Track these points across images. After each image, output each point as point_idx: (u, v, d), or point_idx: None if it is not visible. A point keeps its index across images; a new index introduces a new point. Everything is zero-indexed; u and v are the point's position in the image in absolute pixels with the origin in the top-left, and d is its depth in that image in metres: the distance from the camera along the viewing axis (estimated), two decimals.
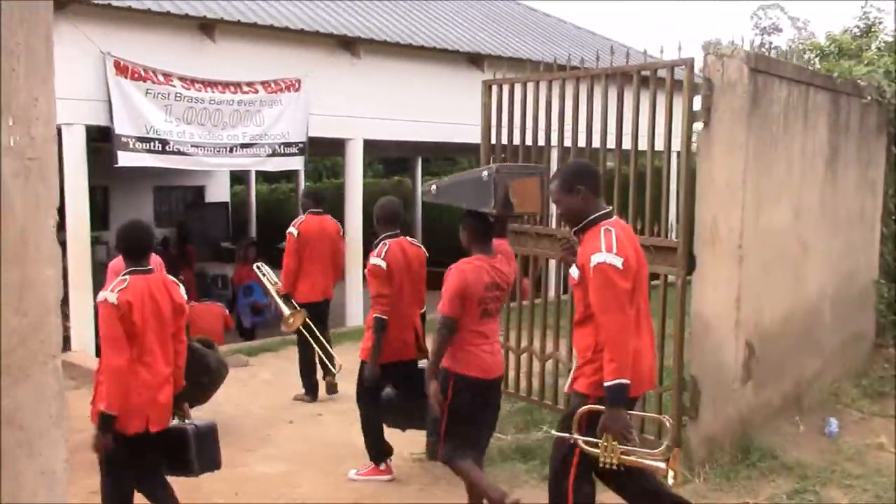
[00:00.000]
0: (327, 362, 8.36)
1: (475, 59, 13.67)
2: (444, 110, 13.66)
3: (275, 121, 11.81)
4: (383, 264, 5.72)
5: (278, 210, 29.12)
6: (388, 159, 32.91)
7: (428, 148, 20.51)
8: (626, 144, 6.11)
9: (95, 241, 22.63)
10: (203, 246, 22.77)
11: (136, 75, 10.47)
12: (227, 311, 12.01)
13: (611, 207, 4.21)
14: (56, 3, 9.71)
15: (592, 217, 4.05)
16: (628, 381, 3.80)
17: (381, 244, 5.85)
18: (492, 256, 4.85)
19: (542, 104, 6.78)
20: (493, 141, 7.27)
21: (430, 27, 14.21)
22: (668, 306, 5.98)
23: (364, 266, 6.06)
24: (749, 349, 5.85)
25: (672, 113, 5.77)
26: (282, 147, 11.99)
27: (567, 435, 4.04)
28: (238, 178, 27.95)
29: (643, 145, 5.97)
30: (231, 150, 11.47)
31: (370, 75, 12.79)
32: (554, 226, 6.63)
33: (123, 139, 10.41)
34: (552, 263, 7.13)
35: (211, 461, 4.81)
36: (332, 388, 8.35)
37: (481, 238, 4.88)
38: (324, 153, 23.39)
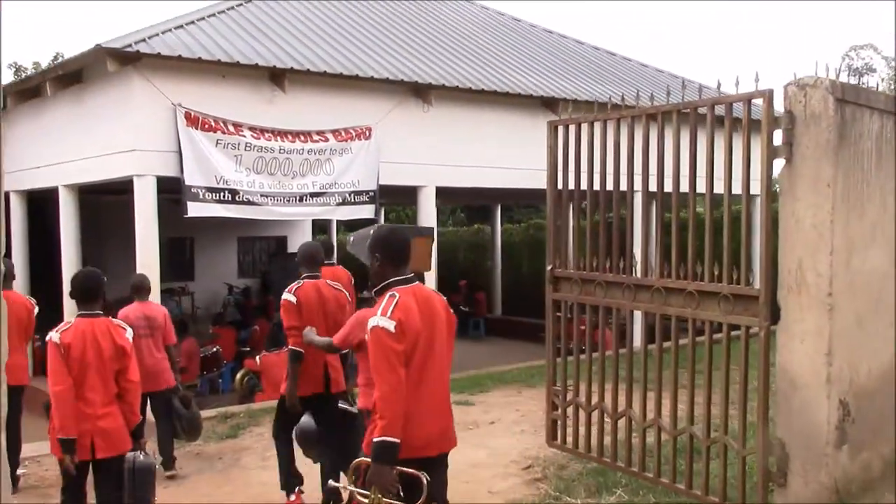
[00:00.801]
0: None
1: (549, 104, 13.34)
2: (518, 156, 13.36)
3: (345, 169, 11.68)
4: (293, 299, 6.19)
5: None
6: (472, 207, 32.72)
7: (505, 195, 20.20)
8: (700, 186, 5.64)
9: (182, 292, 23.21)
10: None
11: (207, 126, 10.48)
12: None
13: (411, 275, 4.27)
14: (128, 56, 9.88)
15: (385, 283, 4.20)
16: (396, 440, 3.88)
17: (296, 282, 6.30)
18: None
19: (610, 145, 6.38)
20: (561, 186, 6.88)
21: (502, 72, 13.99)
22: (751, 357, 5.46)
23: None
24: (843, 408, 5.26)
25: (749, 150, 5.30)
26: (352, 195, 11.83)
27: (340, 485, 4.51)
28: (322, 227, 28.19)
29: (719, 187, 5.50)
30: (301, 199, 11.36)
31: (442, 122, 12.60)
32: (637, 273, 6.16)
33: (193, 190, 10.40)
34: (619, 314, 6.67)
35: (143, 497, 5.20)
36: None
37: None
38: (399, 202, 23.29)
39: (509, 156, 13.31)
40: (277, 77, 10.95)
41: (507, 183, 13.65)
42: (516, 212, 31.79)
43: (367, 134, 11.87)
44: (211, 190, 10.56)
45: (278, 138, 11.06)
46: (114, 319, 5.40)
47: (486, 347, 18.86)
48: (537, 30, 17.86)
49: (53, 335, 5.06)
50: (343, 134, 11.64)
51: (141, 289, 7.88)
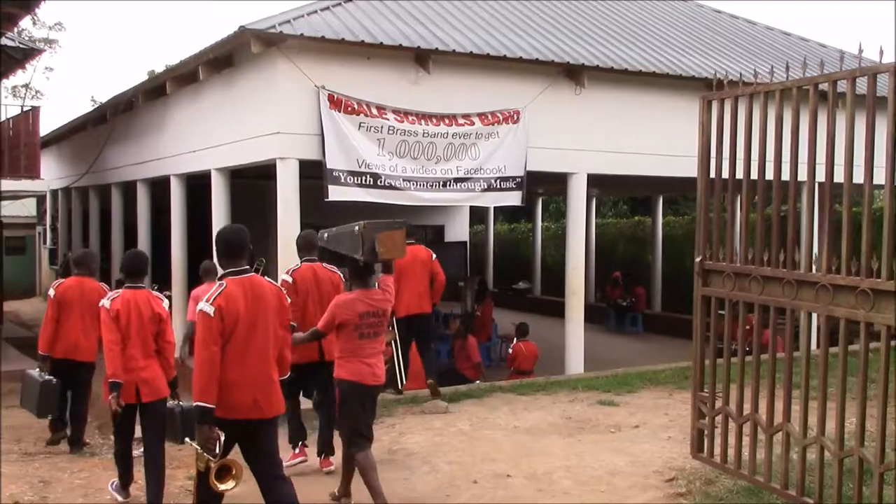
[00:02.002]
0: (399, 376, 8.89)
1: (713, 86, 12.36)
2: (679, 143, 12.42)
3: (491, 154, 11.23)
4: (290, 279, 7.02)
5: (516, 249, 28.78)
6: (635, 199, 31.60)
7: (666, 185, 19.18)
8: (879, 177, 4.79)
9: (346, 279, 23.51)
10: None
11: (350, 109, 10.28)
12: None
13: (245, 267, 5.01)
14: (272, 38, 9.78)
15: (223, 273, 5.08)
16: (208, 405, 4.76)
17: (294, 265, 7.29)
18: (369, 290, 6.01)
19: (771, 123, 5.59)
20: (714, 168, 6.14)
21: (661, 52, 13.11)
22: None
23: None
24: None
25: None
26: (498, 182, 11.37)
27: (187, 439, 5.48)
28: (480, 217, 27.95)
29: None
30: (444, 185, 11.00)
31: (595, 105, 11.93)
32: (800, 268, 5.37)
33: (335, 173, 10.22)
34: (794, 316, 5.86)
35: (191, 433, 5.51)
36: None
37: (358, 276, 6.07)
38: (555, 191, 22.60)
39: (668, 142, 12.47)
40: (422, 58, 10.61)
41: (665, 171, 12.81)
42: (682, 204, 30.41)
43: (515, 117, 11.36)
44: (353, 174, 10.36)
45: (422, 122, 10.74)
46: (153, 291, 6.61)
47: (640, 344, 17.99)
48: (704, 10, 16.75)
49: (105, 302, 6.26)
50: (490, 117, 11.18)
51: (209, 272, 9.16)
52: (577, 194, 12.21)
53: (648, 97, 12.37)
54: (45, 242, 27.82)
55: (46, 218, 27.87)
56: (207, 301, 4.81)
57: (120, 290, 6.29)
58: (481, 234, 27.74)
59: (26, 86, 37.46)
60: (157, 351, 6.29)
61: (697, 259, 6.15)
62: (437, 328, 17.15)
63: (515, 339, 12.37)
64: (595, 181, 13.77)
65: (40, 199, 28.58)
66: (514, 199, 11.66)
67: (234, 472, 4.84)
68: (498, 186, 11.40)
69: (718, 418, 6.18)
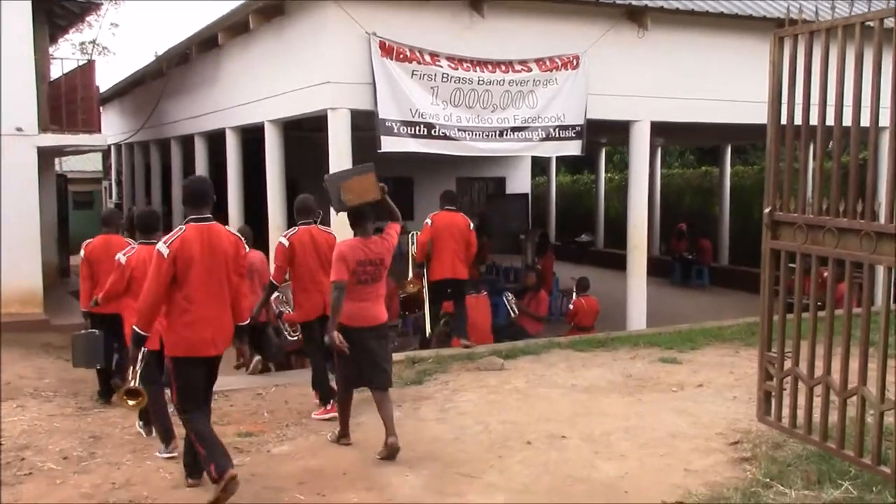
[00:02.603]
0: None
1: (786, 24, 11.67)
2: (749, 88, 11.84)
3: (549, 102, 10.82)
4: (286, 243, 7.49)
5: (578, 201, 28.22)
6: (702, 149, 30.66)
7: (734, 133, 18.42)
8: None
9: (402, 231, 23.34)
10: (502, 238, 22.35)
11: (402, 56, 9.95)
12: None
13: (207, 215, 5.41)
14: None
15: (187, 219, 5.44)
16: (144, 333, 5.34)
17: (291, 229, 7.69)
18: (366, 238, 6.27)
19: (850, 62, 5.09)
20: (786, 111, 5.67)
21: None
22: None
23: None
24: None
25: None
26: (557, 130, 10.96)
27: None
28: (542, 168, 27.45)
29: None
30: (501, 134, 10.64)
31: (659, 49, 11.40)
32: (881, 219, 4.91)
33: (387, 123, 9.94)
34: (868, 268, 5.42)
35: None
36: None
37: (356, 224, 6.32)
38: (616, 141, 21.95)
39: (738, 88, 11.89)
40: (477, 2, 10.19)
41: (734, 118, 12.23)
42: (752, 153, 29.38)
43: (575, 63, 10.90)
44: (406, 124, 10.06)
45: (477, 69, 10.36)
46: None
47: (706, 298, 17.49)
48: None
49: (120, 256, 6.78)
50: (548, 63, 10.74)
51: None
52: (640, 143, 11.73)
53: (716, 40, 11.79)
54: (110, 197, 28.22)
55: (112, 172, 28.25)
56: (164, 243, 5.30)
57: (136, 246, 6.76)
58: (543, 185, 27.27)
59: (93, 42, 37.94)
60: None
61: (766, 210, 5.73)
62: (496, 281, 16.95)
63: (575, 294, 12.03)
64: (659, 130, 13.23)
65: (105, 153, 28.95)
66: (573, 148, 11.24)
67: (141, 397, 5.62)
68: (557, 135, 11.00)
69: (787, 380, 5.79)
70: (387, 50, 9.85)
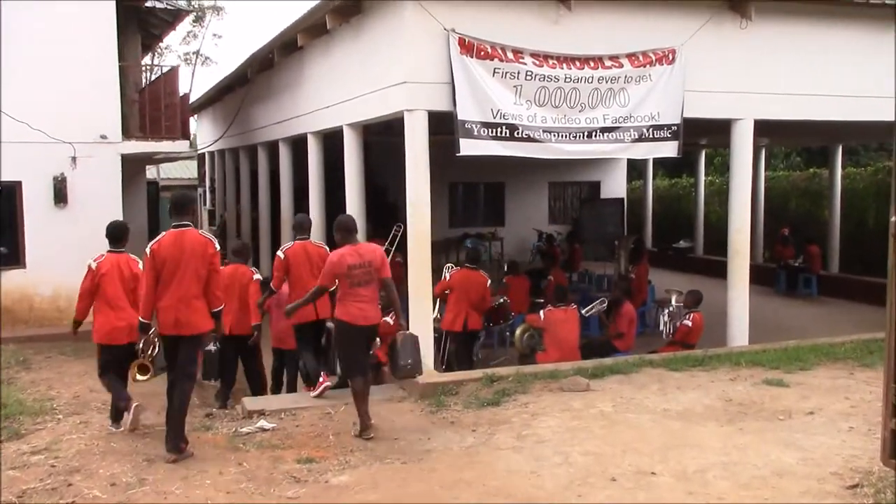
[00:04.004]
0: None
1: None
2: (862, 83, 10.92)
3: (642, 100, 10.05)
4: (283, 255, 8.73)
5: (677, 206, 27.09)
6: (810, 150, 29.09)
7: (846, 132, 17.18)
8: None
9: (492, 237, 22.80)
10: (596, 244, 21.55)
11: (483, 53, 9.35)
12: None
13: (185, 222, 6.74)
14: None
15: (172, 225, 6.75)
16: (146, 321, 6.81)
17: (288, 243, 9.17)
18: (356, 245, 7.27)
19: None
20: None
21: None
22: None
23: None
24: None
25: None
26: (651, 130, 10.18)
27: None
28: (639, 171, 26.47)
29: None
30: (590, 136, 9.92)
31: (763, 41, 10.50)
32: None
33: (467, 125, 9.34)
34: None
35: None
36: None
37: (344, 240, 7.28)
38: (718, 143, 20.82)
39: (851, 82, 10.92)
40: None
41: (845, 115, 11.19)
42: (864, 155, 27.71)
43: (670, 57, 10.10)
44: (487, 125, 9.44)
45: (564, 65, 9.66)
46: (131, 254, 7.69)
47: (815, 310, 16.30)
48: None
49: (92, 263, 7.55)
50: (641, 58, 9.97)
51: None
52: (742, 143, 10.81)
53: (826, 30, 10.81)
54: (204, 203, 28.51)
55: (206, 179, 28.55)
56: (150, 245, 6.68)
57: (104, 254, 7.63)
58: (640, 189, 26.27)
59: (196, 52, 38.64)
60: (133, 302, 7.46)
61: (893, 219, 4.90)
62: (588, 290, 16.16)
63: (679, 306, 11.15)
64: (764, 129, 12.23)
65: (200, 160, 29.30)
66: (669, 149, 10.41)
67: (150, 371, 7.46)
68: (651, 136, 10.21)
69: None
70: (466, 47, 9.27)
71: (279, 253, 8.80)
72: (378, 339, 9.43)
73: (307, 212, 13.53)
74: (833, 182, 19.63)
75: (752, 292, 11.17)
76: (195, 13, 37.74)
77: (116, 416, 7.60)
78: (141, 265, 7.35)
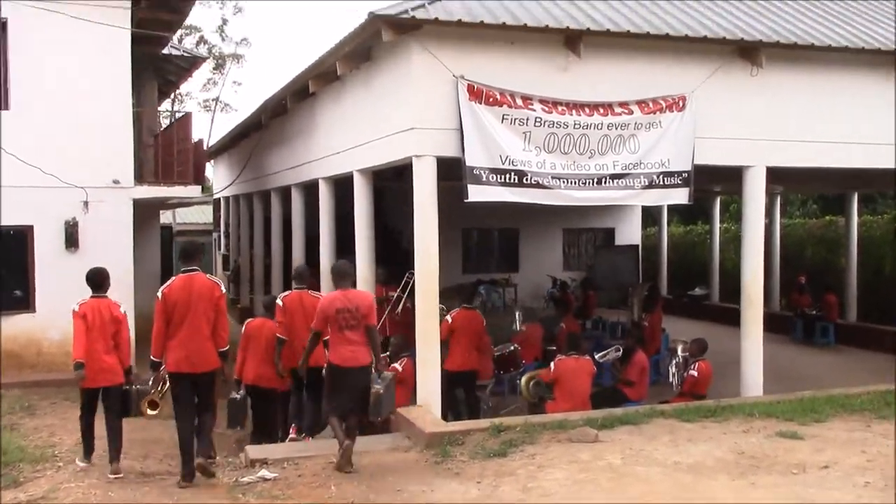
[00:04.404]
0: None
1: None
2: (877, 129, 10.85)
3: (652, 146, 10.00)
4: (281, 303, 9.20)
5: (692, 253, 26.91)
6: (825, 197, 28.87)
7: (862, 179, 17.03)
8: None
9: (506, 283, 22.68)
10: (610, 291, 21.40)
11: (492, 99, 9.35)
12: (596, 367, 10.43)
13: (194, 267, 7.41)
14: (405, 24, 9.02)
15: (180, 270, 7.45)
16: (156, 359, 7.36)
17: (285, 292, 9.70)
18: (346, 290, 7.67)
19: None
20: None
21: (850, 23, 11.34)
22: None
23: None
24: None
25: None
26: (661, 177, 10.11)
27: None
28: (653, 217, 26.36)
29: None
30: (599, 182, 9.86)
31: (775, 88, 10.49)
32: None
33: (475, 171, 9.32)
34: None
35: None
36: None
37: (337, 283, 7.77)
38: (731, 190, 20.67)
39: (863, 128, 10.88)
40: (572, 40, 9.49)
41: (860, 162, 11.11)
42: (881, 202, 27.47)
43: (681, 104, 10.06)
44: (495, 171, 9.40)
45: (573, 112, 9.64)
46: (113, 300, 8.08)
47: (832, 358, 16.04)
48: None
49: (75, 307, 7.86)
50: (651, 105, 9.94)
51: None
52: (755, 191, 10.72)
53: (839, 76, 10.78)
54: (219, 248, 28.59)
55: (221, 224, 28.68)
56: (161, 289, 7.29)
57: (86, 298, 7.96)
58: (654, 236, 26.12)
59: (216, 99, 39.12)
60: (115, 346, 7.88)
61: None
62: (601, 338, 15.97)
63: (686, 356, 10.94)
64: (777, 176, 12.15)
65: (216, 205, 29.46)
66: (680, 196, 10.33)
67: (158, 406, 7.90)
68: (661, 183, 10.14)
69: None
70: (475, 93, 9.26)
71: (278, 300, 9.24)
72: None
73: (318, 258, 13.56)
74: (849, 229, 19.45)
75: (769, 340, 10.99)
76: (215, 61, 38.49)
77: (87, 452, 8.00)
78: (122, 309, 8.09)
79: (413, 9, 8.98)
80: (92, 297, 7.97)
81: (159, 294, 7.21)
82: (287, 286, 16.49)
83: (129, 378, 8.05)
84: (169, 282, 7.34)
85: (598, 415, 8.72)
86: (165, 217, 28.72)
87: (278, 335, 8.99)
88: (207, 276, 7.49)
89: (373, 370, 7.70)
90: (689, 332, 13.28)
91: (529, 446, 7.75)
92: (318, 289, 11.86)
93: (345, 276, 7.82)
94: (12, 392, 11.18)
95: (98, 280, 8.09)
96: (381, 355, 10.24)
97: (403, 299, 12.85)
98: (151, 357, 7.32)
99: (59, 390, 11.39)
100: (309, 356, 8.03)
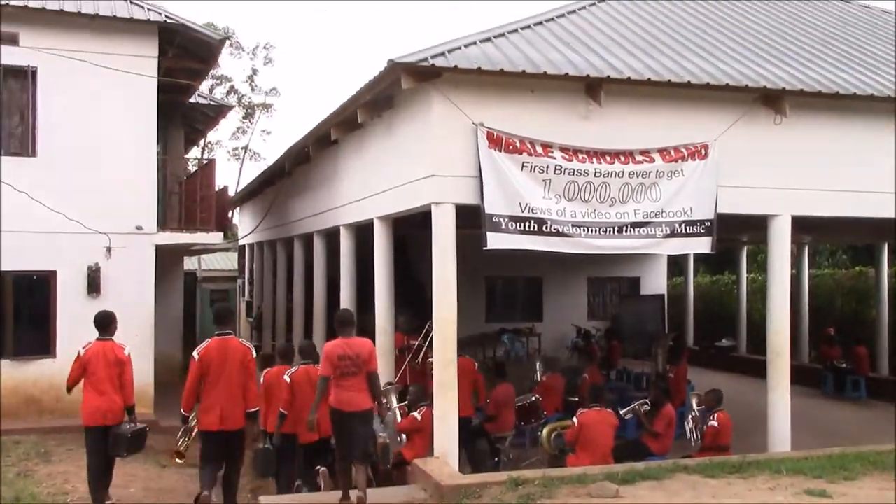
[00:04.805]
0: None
1: None
2: None
3: (674, 195, 9.88)
4: (288, 380, 9.03)
5: (719, 303, 26.55)
6: (855, 248, 28.49)
7: (892, 229, 16.74)
8: None
9: (530, 332, 22.46)
10: (635, 341, 21.10)
11: (511, 147, 9.30)
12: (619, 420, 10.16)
13: (228, 331, 8.22)
14: (426, 72, 9.02)
15: (215, 333, 8.18)
16: (185, 413, 8.22)
17: (294, 367, 9.36)
18: (348, 339, 7.94)
19: None
20: None
21: (877, 71, 11.21)
22: None
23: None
24: None
25: None
26: (683, 226, 9.97)
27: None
28: (680, 268, 26.11)
29: None
30: (620, 230, 9.74)
31: (800, 136, 10.38)
32: None
33: (494, 219, 9.23)
34: None
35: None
36: None
37: (340, 331, 8.01)
38: (756, 239, 20.42)
39: (890, 178, 10.63)
40: (592, 89, 9.46)
41: (887, 212, 10.87)
42: None
43: (703, 152, 9.96)
44: (515, 219, 9.31)
45: (594, 159, 9.56)
46: (114, 340, 8.60)
47: (863, 414, 15.64)
48: None
49: (80, 350, 8.44)
50: (672, 153, 9.85)
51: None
52: (780, 240, 10.54)
53: (866, 123, 10.64)
54: (243, 295, 28.65)
55: (245, 271, 28.76)
56: (197, 350, 7.98)
57: (92, 341, 8.56)
58: (681, 286, 25.83)
59: (245, 147, 39.55)
60: (119, 386, 8.42)
61: None
62: (626, 389, 15.67)
63: (702, 409, 10.65)
64: (805, 226, 11.98)
65: (241, 252, 29.59)
66: (702, 245, 10.17)
67: (184, 457, 8.65)
68: (683, 231, 9.99)
69: None
70: (495, 141, 9.22)
71: (285, 377, 9.10)
72: (404, 436, 9.39)
73: (339, 306, 13.49)
74: (879, 280, 19.14)
75: (798, 394, 10.72)
76: (245, 110, 39.00)
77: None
78: (126, 351, 8.59)
79: (433, 56, 9.00)
80: (98, 339, 8.55)
81: (195, 355, 7.87)
82: (307, 332, 16.46)
83: (131, 417, 8.53)
84: (204, 343, 8.00)
85: (619, 469, 8.48)
86: (191, 263, 28.91)
87: (281, 409, 8.93)
88: (240, 340, 8.22)
89: (376, 416, 8.15)
90: (715, 384, 12.95)
91: (547, 500, 7.53)
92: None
93: (346, 323, 8.08)
94: (29, 438, 11.13)
95: (104, 322, 8.65)
96: (399, 404, 10.20)
97: (424, 349, 12.72)
98: (182, 411, 8.04)
99: (76, 436, 11.27)
100: (321, 401, 8.00)
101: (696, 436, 10.85)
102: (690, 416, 11.14)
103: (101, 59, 12.79)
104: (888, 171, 10.67)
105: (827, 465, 8.66)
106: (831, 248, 29.86)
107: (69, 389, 8.61)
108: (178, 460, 8.59)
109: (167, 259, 15.51)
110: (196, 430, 8.65)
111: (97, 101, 13.08)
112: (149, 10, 13.35)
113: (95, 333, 12.31)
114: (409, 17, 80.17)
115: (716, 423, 9.98)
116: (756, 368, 17.81)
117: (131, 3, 13.40)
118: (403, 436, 9.72)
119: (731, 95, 9.96)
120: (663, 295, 25.03)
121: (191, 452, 8.89)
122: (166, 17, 13.30)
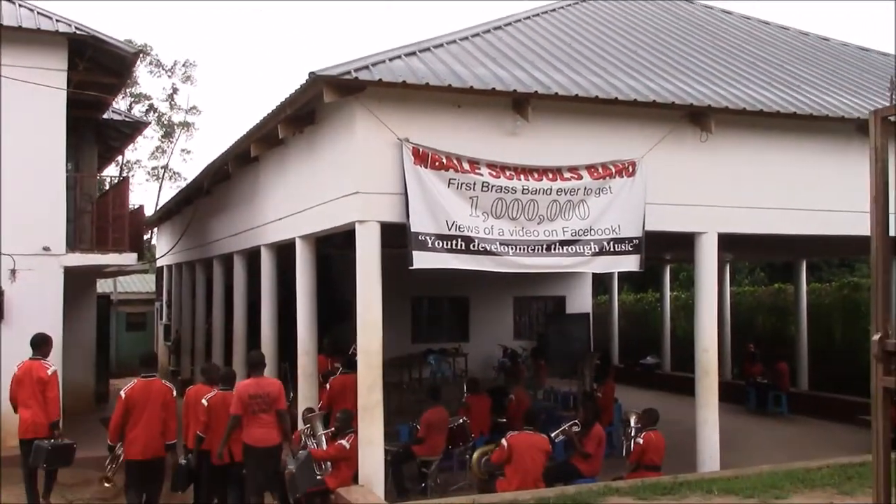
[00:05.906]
0: None
1: (866, 129, 10.55)
2: (826, 196, 10.76)
3: (602, 212, 9.76)
4: (205, 403, 9.21)
5: (643, 321, 26.76)
6: (773, 265, 29.10)
7: (810, 247, 17.05)
8: None
9: (456, 352, 22.19)
10: (562, 360, 20.96)
11: (438, 163, 9.05)
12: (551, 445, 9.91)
13: (152, 372, 8.96)
14: (349, 86, 8.69)
15: (140, 375, 8.96)
16: (111, 444, 8.94)
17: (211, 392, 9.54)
18: (259, 378, 8.99)
19: None
20: None
21: (801, 91, 11.36)
22: None
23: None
24: None
25: None
26: (611, 244, 9.85)
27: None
28: (604, 285, 26.25)
29: None
30: (548, 249, 9.56)
31: (725, 153, 10.38)
32: None
33: (420, 237, 8.95)
34: None
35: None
36: None
37: (251, 370, 9.11)
38: (681, 257, 20.67)
39: (816, 196, 10.80)
40: (520, 104, 9.29)
41: (811, 229, 10.97)
42: (825, 271, 27.72)
43: (631, 169, 9.88)
44: (441, 237, 9.05)
45: (521, 176, 9.38)
46: (43, 360, 9.53)
47: (787, 430, 15.78)
48: (850, 48, 14.88)
49: (15, 368, 9.41)
50: (600, 170, 9.73)
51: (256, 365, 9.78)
52: (707, 257, 10.51)
53: (789, 143, 10.73)
54: (160, 318, 27.77)
55: (163, 294, 27.90)
56: (123, 390, 8.76)
57: (25, 360, 9.49)
58: (606, 304, 25.95)
59: (164, 167, 38.55)
60: (44, 402, 9.30)
61: (875, 338, 4.47)
62: (554, 409, 15.50)
63: (638, 427, 10.52)
64: (728, 244, 12.01)
65: (159, 274, 28.71)
66: (630, 263, 10.07)
67: (112, 482, 9.15)
68: (612, 249, 9.87)
69: None
70: (420, 157, 8.97)
71: (203, 400, 9.25)
72: (329, 464, 9.00)
73: (259, 329, 13.04)
74: (798, 298, 19.45)
75: (722, 410, 10.68)
76: (164, 129, 38.04)
77: None
78: (50, 371, 9.48)
79: (356, 70, 8.71)
80: (30, 358, 9.53)
81: (122, 393, 8.73)
82: (227, 356, 15.92)
83: (54, 433, 9.35)
84: (131, 384, 8.83)
85: (550, 493, 8.25)
86: (106, 286, 27.89)
87: (199, 433, 9.23)
88: (163, 381, 9.04)
89: (289, 451, 8.95)
90: (641, 402, 12.93)
91: None
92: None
93: (257, 365, 9.11)
94: None
95: (38, 343, 9.67)
96: (324, 431, 9.84)
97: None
98: (108, 442, 8.90)
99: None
100: (229, 438, 8.82)
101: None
102: (628, 433, 10.98)
103: (6, 70, 12.11)
104: (811, 189, 10.77)
105: (758, 484, 8.57)
106: (750, 266, 30.45)
107: (14, 408, 9.51)
108: (106, 484, 9.27)
109: (78, 282, 14.78)
110: (122, 458, 9.11)
111: (1, 115, 12.38)
112: (57, 21, 12.70)
113: (2, 359, 11.73)
114: (336, 33, 79.86)
115: (641, 441, 9.85)
116: (680, 385, 17.94)
117: (39, 13, 12.77)
118: (328, 463, 9.34)
119: (657, 112, 9.92)
120: (589, 313, 25.06)
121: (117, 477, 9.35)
122: (76, 28, 12.67)
